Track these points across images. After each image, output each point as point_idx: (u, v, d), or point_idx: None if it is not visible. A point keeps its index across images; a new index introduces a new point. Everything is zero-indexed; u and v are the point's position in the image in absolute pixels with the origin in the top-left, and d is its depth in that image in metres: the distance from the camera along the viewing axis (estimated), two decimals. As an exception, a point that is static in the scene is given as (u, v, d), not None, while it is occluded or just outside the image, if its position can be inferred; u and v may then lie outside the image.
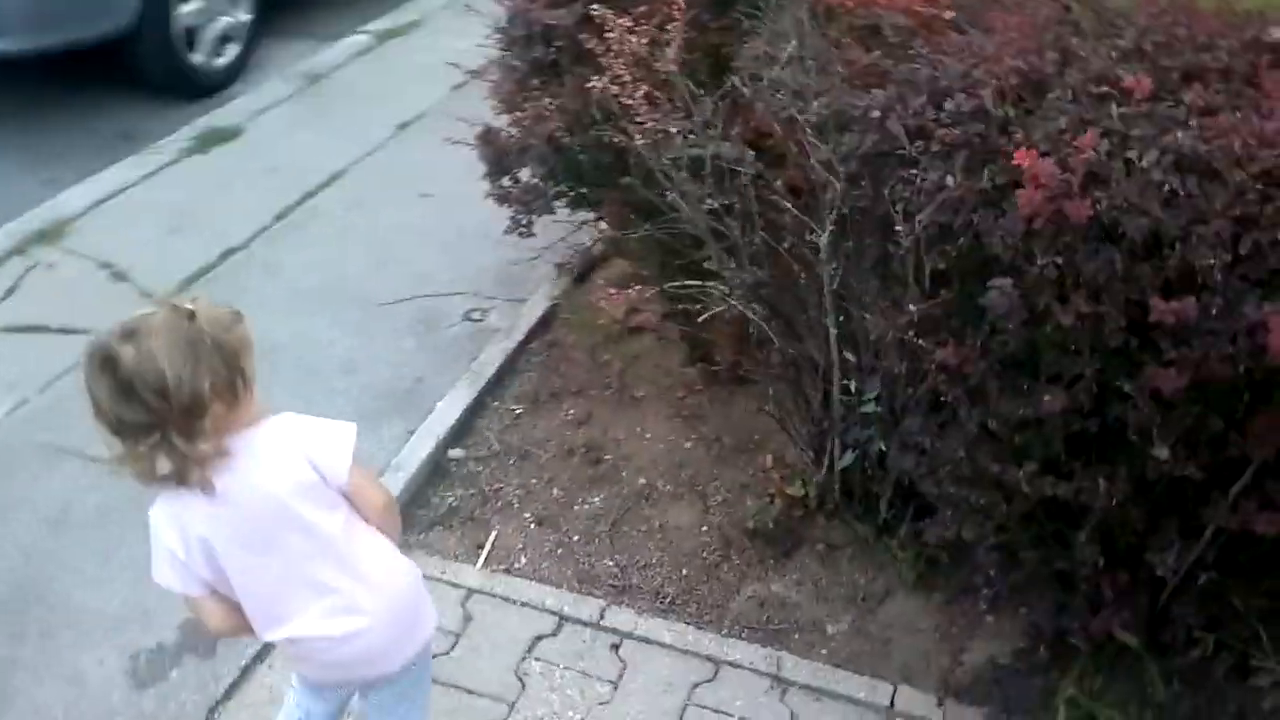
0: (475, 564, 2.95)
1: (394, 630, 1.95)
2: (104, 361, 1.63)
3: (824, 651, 2.78)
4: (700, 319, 2.83)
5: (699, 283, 2.79)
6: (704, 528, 3.10)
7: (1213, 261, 1.89)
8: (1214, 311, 1.91)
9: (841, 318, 2.42)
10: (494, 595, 2.86)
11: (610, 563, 2.99)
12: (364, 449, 3.04)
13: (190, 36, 5.46)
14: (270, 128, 5.25)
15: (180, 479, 1.70)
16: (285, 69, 5.85)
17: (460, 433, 3.36)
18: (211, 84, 5.63)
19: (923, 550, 2.87)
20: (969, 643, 2.78)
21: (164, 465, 1.67)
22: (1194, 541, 2.30)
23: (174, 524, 1.77)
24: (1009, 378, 2.20)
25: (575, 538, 3.06)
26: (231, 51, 5.74)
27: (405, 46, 6.16)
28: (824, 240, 2.29)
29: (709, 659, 2.73)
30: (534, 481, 3.24)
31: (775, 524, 3.04)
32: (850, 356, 2.43)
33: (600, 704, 2.62)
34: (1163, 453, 2.13)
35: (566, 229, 3.96)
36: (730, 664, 2.72)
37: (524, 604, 2.84)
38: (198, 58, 5.54)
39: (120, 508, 3.06)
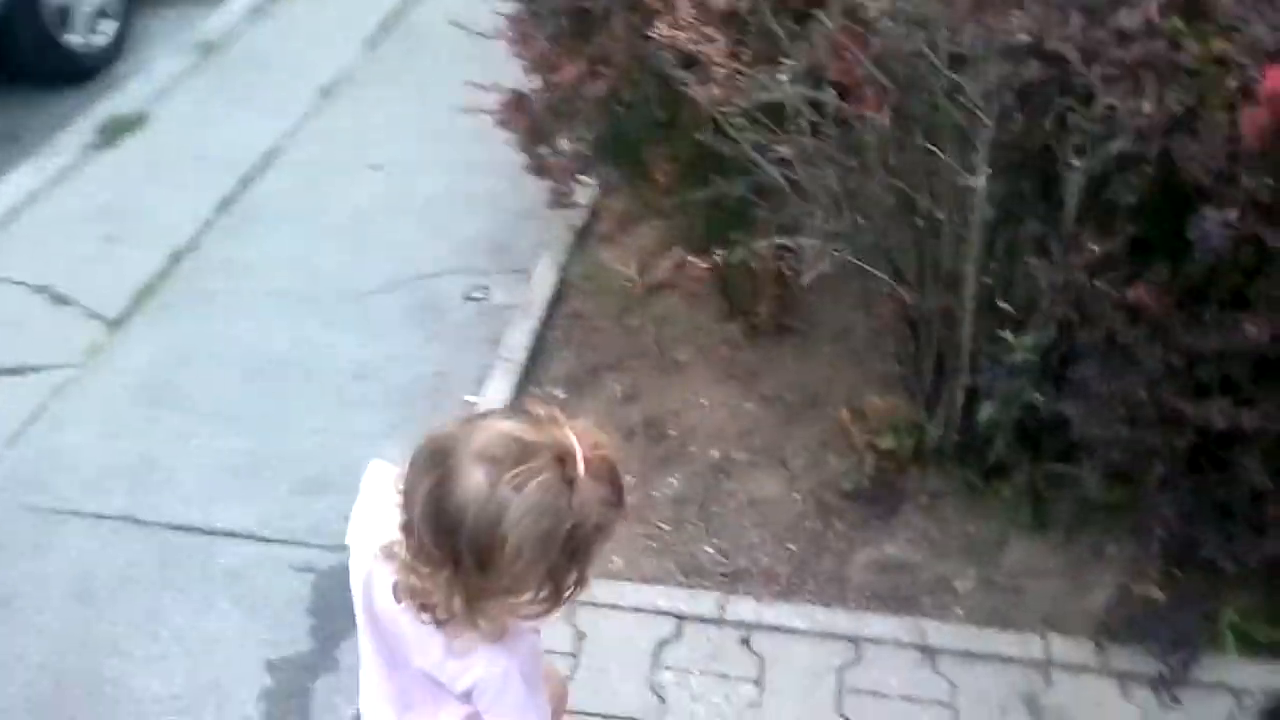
0: (571, 573, 2.70)
1: None
2: (439, 476, 1.27)
3: (960, 611, 2.64)
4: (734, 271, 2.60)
5: (785, 240, 2.56)
6: (795, 495, 2.92)
7: None
8: None
9: (993, 265, 2.23)
10: (600, 605, 2.62)
11: (710, 549, 2.79)
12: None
13: (63, 16, 4.87)
14: (177, 109, 4.74)
15: (420, 604, 1.37)
16: (172, 40, 5.30)
17: (508, 427, 3.06)
18: (93, 65, 5.08)
19: (1036, 491, 2.75)
20: (1100, 579, 2.68)
21: (428, 595, 1.34)
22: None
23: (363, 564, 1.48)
24: (1193, 311, 2.05)
25: (665, 526, 2.84)
26: (109, 27, 5.15)
27: (299, 3, 5.64)
28: (980, 184, 2.08)
29: (847, 639, 2.56)
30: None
31: (871, 481, 2.88)
32: (1004, 305, 2.24)
33: (750, 707, 2.43)
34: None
35: (536, 187, 3.67)
36: (870, 640, 2.56)
37: (636, 609, 2.62)
38: (74, 38, 4.96)
39: (147, 565, 2.71)
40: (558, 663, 2.47)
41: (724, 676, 2.48)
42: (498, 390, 3.13)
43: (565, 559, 1.28)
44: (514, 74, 3.22)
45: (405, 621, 1.42)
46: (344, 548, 2.63)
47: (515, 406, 1.24)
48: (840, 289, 3.24)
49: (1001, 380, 2.31)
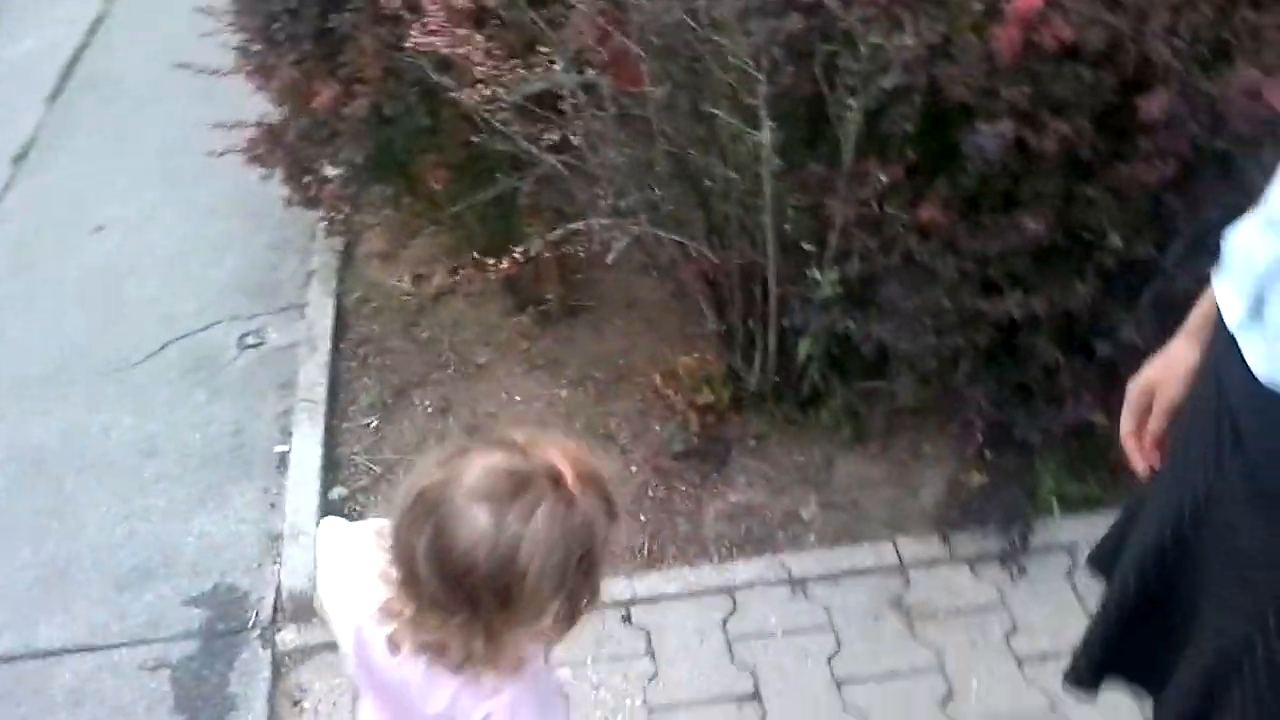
0: (437, 598, 2.65)
1: None
2: (436, 525, 1.21)
3: (812, 538, 2.77)
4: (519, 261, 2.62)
5: (577, 225, 2.58)
6: (631, 468, 2.97)
7: (1166, 51, 1.99)
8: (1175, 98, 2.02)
9: (789, 211, 2.33)
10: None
11: (566, 539, 2.79)
12: (221, 533, 2.69)
13: None
14: None
15: (450, 666, 1.31)
16: None
17: (327, 471, 2.96)
18: None
19: (852, 411, 2.93)
20: (925, 478, 2.88)
21: (444, 645, 1.29)
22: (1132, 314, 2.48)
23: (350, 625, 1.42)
24: (975, 220, 2.23)
25: (515, 529, 2.82)
26: None
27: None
28: (766, 138, 2.17)
29: (721, 591, 2.65)
30: (438, 488, 2.93)
31: (699, 438, 2.97)
32: (808, 246, 2.35)
33: (650, 680, 2.48)
34: (1115, 240, 2.27)
35: (281, 219, 3.56)
36: (742, 587, 2.66)
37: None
38: None
39: None
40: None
41: (617, 658, 2.52)
42: (306, 434, 3.01)
43: (581, 578, 1.26)
44: (238, 107, 3.08)
45: (409, 671, 1.37)
46: (193, 634, 2.52)
47: (489, 437, 1.19)
48: (624, 262, 3.31)
49: (813, 316, 2.43)
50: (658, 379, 3.11)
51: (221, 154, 2.83)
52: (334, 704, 2.45)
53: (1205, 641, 1.27)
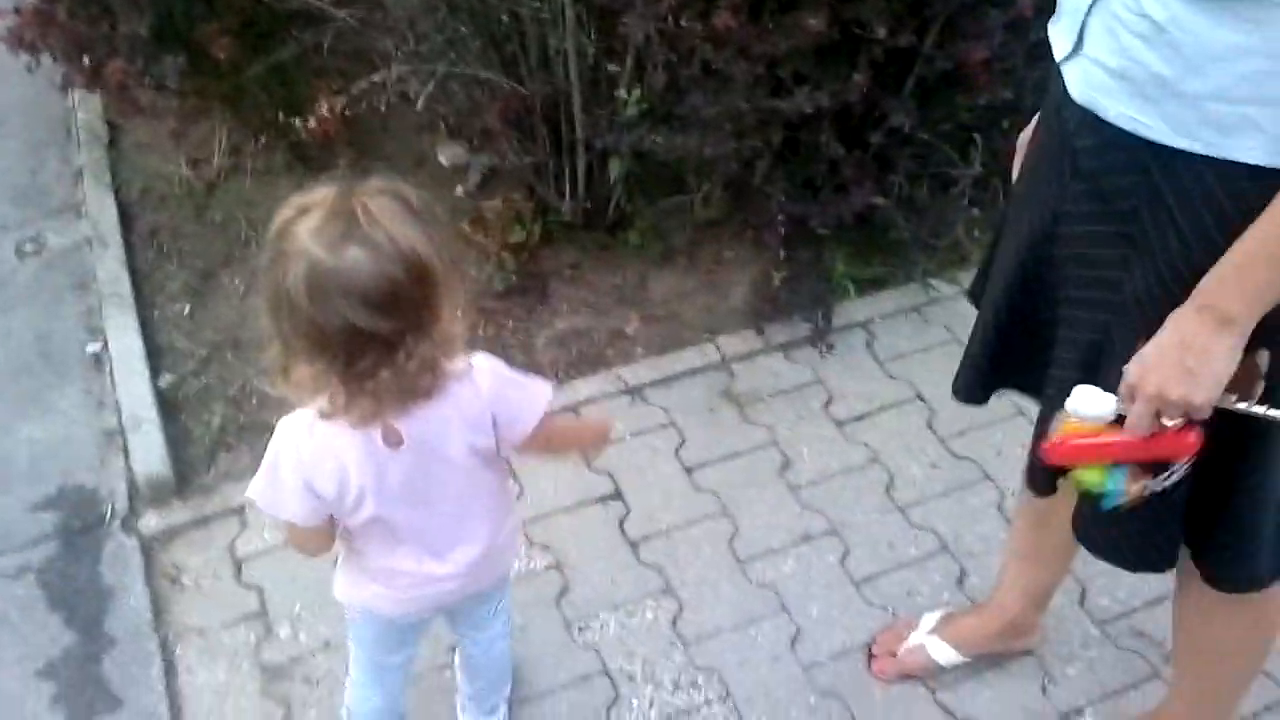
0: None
1: (487, 576, 1.84)
2: (321, 272, 1.32)
3: (640, 350, 2.97)
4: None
5: (377, 76, 2.61)
6: (458, 312, 3.06)
7: None
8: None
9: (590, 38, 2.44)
10: (338, 475, 2.67)
11: (409, 388, 2.89)
12: (52, 437, 2.64)
13: None
14: None
15: (370, 417, 1.43)
16: None
17: (151, 361, 2.91)
18: None
19: (656, 230, 3.12)
20: (731, 281, 3.12)
21: (357, 404, 1.40)
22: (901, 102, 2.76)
23: (330, 459, 1.50)
24: (761, 24, 2.42)
25: (357, 386, 2.89)
26: None
27: None
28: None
29: (566, 409, 2.81)
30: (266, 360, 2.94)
31: (517, 275, 3.09)
32: (612, 67, 2.48)
33: (516, 498, 2.63)
34: (881, 32, 2.52)
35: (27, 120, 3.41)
36: (585, 401, 2.84)
37: (372, 465, 2.69)
38: None
39: None
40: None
41: (482, 485, 2.65)
42: (120, 327, 2.95)
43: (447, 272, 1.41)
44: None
45: (406, 449, 1.50)
46: (49, 536, 2.49)
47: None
48: (408, 120, 3.34)
49: (622, 137, 2.57)
50: (466, 226, 3.19)
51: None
52: (214, 574, 2.49)
53: (1073, 337, 1.51)
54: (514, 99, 2.59)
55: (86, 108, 3.62)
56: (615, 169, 2.67)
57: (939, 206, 3.05)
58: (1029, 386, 1.69)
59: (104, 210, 3.28)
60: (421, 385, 1.46)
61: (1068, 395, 1.43)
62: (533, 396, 1.65)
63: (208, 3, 2.57)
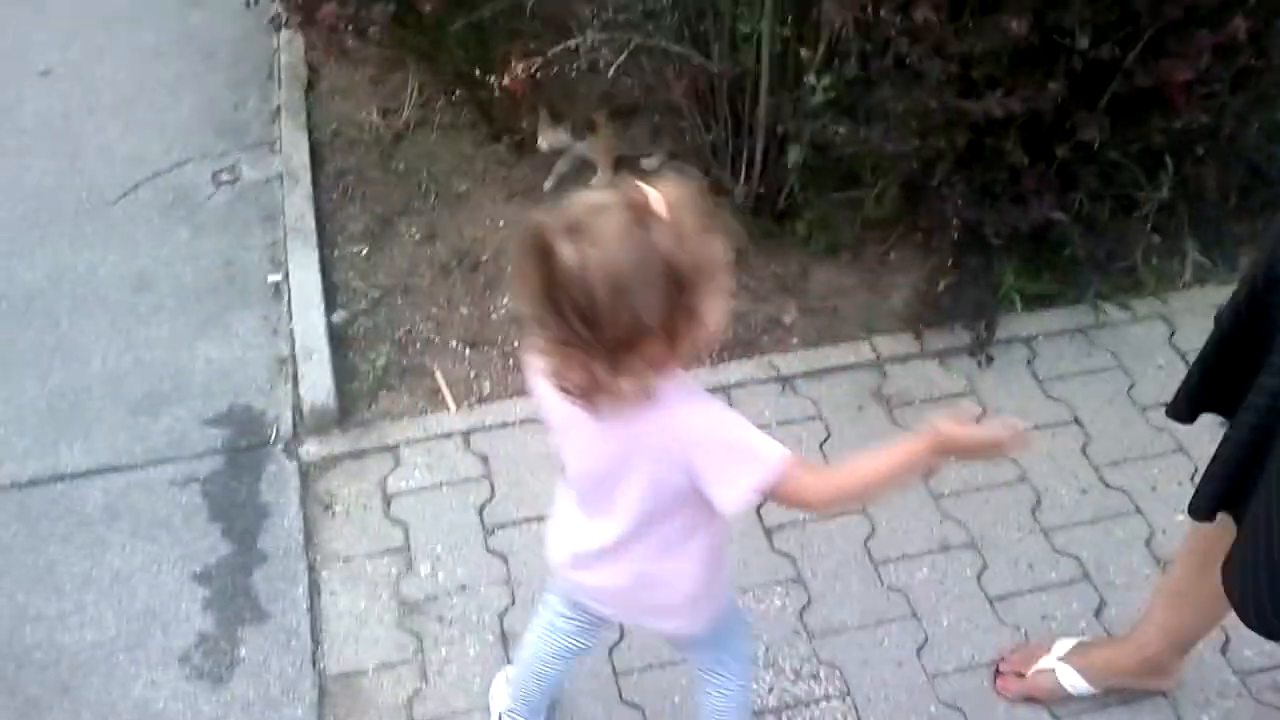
0: (449, 409, 2.80)
1: (636, 611, 1.82)
2: (539, 252, 1.31)
3: (795, 340, 2.97)
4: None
5: (569, 42, 2.66)
6: (685, 338, 3.10)
7: None
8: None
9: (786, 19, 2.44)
10: (490, 429, 2.75)
11: (565, 350, 2.95)
12: (227, 359, 2.77)
13: None
14: None
15: (583, 397, 1.42)
16: None
17: (326, 296, 3.04)
18: None
19: (825, 223, 3.10)
20: (894, 282, 3.09)
21: (571, 376, 1.41)
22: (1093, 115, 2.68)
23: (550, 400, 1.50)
24: (961, 22, 2.38)
25: (514, 343, 2.97)
26: None
27: None
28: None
29: (717, 389, 2.83)
30: (435, 309, 3.05)
31: (682, 253, 3.11)
32: (805, 51, 2.48)
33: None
34: (1084, 42, 2.45)
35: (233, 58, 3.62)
36: (736, 385, 2.85)
37: (521, 424, 2.76)
38: None
39: (14, 530, 2.56)
40: (469, 490, 2.61)
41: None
42: (301, 262, 3.09)
43: (671, 297, 1.31)
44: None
45: (577, 415, 1.45)
46: (216, 451, 2.62)
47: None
48: (592, 90, 3.39)
49: (805, 123, 2.57)
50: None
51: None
52: (365, 506, 2.60)
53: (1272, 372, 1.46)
54: (701, 76, 2.61)
55: (291, 50, 3.79)
56: (793, 156, 2.67)
57: (1119, 228, 2.96)
58: (1228, 409, 1.63)
59: (297, 149, 3.43)
60: (625, 392, 1.39)
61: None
62: (741, 471, 1.48)
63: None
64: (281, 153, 3.46)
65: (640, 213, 1.31)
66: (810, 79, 2.47)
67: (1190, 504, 1.72)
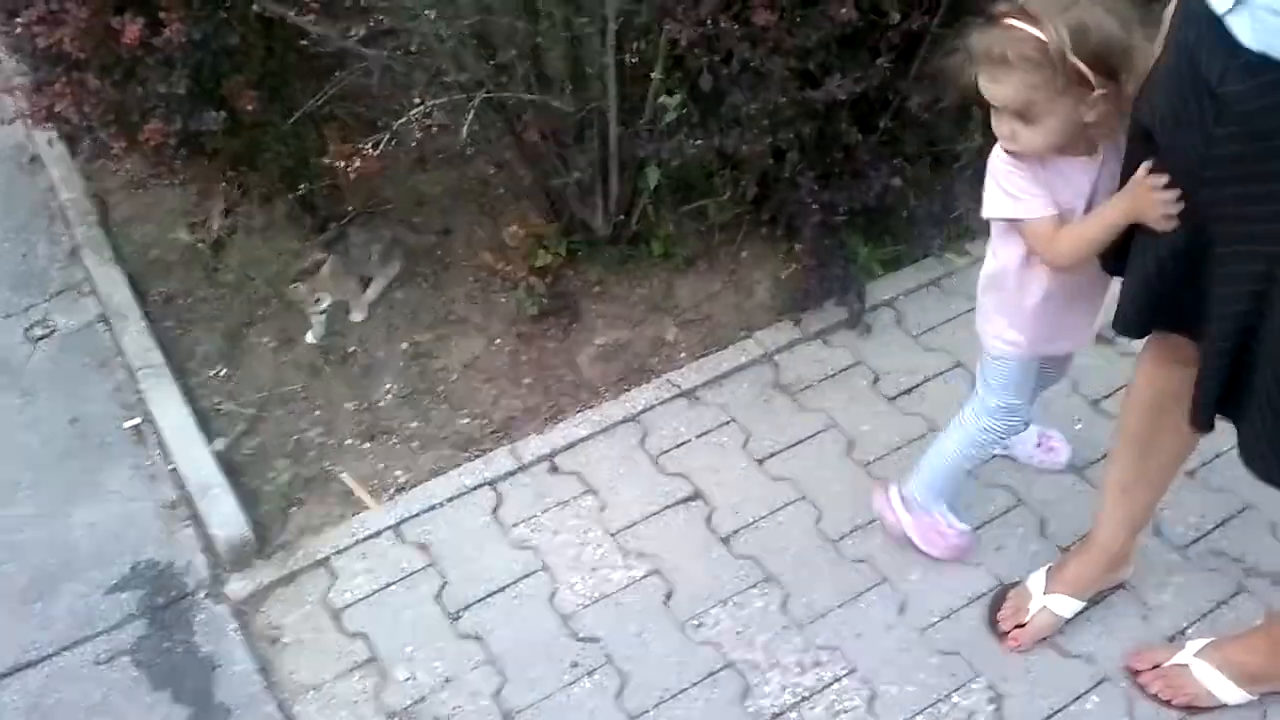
0: (370, 507, 2.69)
1: None
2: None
3: (683, 355, 3.02)
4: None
5: (412, 112, 2.63)
6: (496, 342, 3.08)
7: None
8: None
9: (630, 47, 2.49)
10: (419, 516, 2.67)
11: (466, 419, 2.90)
12: (111, 518, 2.60)
13: None
14: None
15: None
16: None
17: (201, 427, 2.86)
18: None
19: (672, 236, 3.18)
20: (754, 277, 3.19)
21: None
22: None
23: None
24: (791, 18, 2.50)
25: (413, 424, 2.89)
26: None
27: None
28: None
29: (626, 420, 2.85)
30: (318, 412, 2.93)
31: (549, 297, 3.12)
32: (655, 75, 2.53)
33: (601, 510, 2.66)
34: (896, 17, 2.63)
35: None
36: (644, 411, 2.87)
37: (451, 500, 2.69)
38: None
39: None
40: (419, 581, 2.52)
41: (562, 503, 2.68)
42: (164, 398, 2.89)
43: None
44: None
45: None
46: (135, 616, 2.44)
47: None
48: (399, 161, 3.35)
49: (663, 144, 2.63)
50: (486, 256, 3.21)
51: (11, 121, 2.59)
52: (315, 628, 2.46)
53: (1232, 278, 1.60)
54: (551, 120, 2.62)
55: (70, 186, 3.55)
56: (651, 178, 2.72)
57: (944, 182, 3.17)
58: (1180, 325, 1.78)
59: (115, 285, 3.22)
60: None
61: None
62: None
63: (230, 56, 2.54)
64: (95, 293, 3.24)
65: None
66: (663, 99, 2.53)
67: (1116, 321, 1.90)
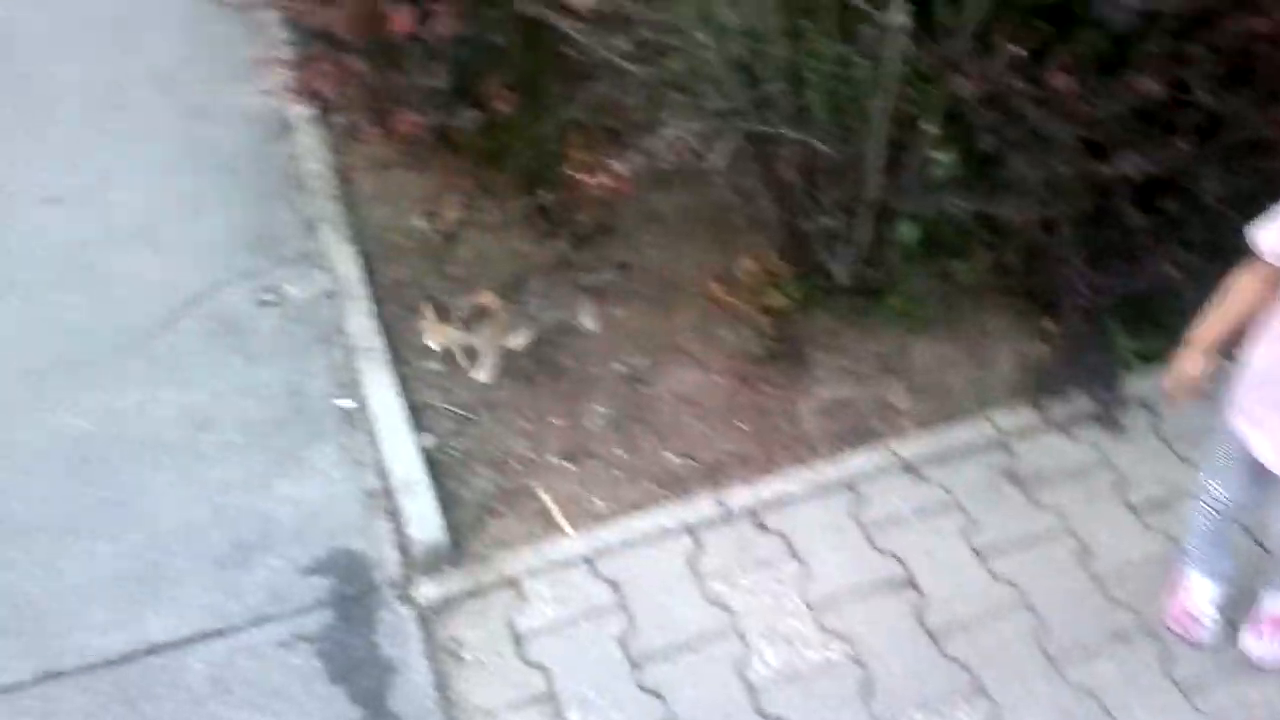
0: (565, 533, 2.60)
1: None
2: None
3: (908, 423, 2.83)
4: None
5: (665, 133, 2.52)
6: (715, 379, 2.96)
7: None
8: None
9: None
10: (613, 550, 2.56)
11: (672, 455, 2.79)
12: (313, 498, 2.55)
13: None
14: None
15: None
16: None
17: (412, 420, 2.84)
18: None
19: (916, 296, 2.99)
20: (998, 351, 2.97)
21: None
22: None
23: None
24: (1089, 85, 2.29)
25: (619, 452, 2.80)
26: None
27: None
28: (898, 20, 2.15)
29: (842, 485, 2.69)
30: (525, 424, 2.87)
31: (773, 340, 2.98)
32: (930, 127, 2.36)
33: (803, 580, 2.50)
34: (1207, 95, 2.37)
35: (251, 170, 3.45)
36: (861, 478, 2.71)
37: (647, 539, 2.59)
38: None
39: (114, 712, 2.30)
40: (606, 620, 2.42)
41: (764, 564, 2.53)
42: (378, 384, 2.89)
43: None
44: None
45: None
46: (323, 603, 2.41)
47: None
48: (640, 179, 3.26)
49: (923, 199, 2.45)
50: (714, 287, 3.09)
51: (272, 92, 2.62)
52: (497, 652, 2.39)
53: None
54: (810, 158, 2.48)
55: (315, 157, 3.61)
56: (906, 233, 2.55)
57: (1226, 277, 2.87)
58: None
59: (346, 263, 3.23)
60: None
61: None
62: None
63: (490, 54, 2.50)
64: (326, 268, 3.26)
65: None
66: (936, 154, 2.35)
67: None
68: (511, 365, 3.00)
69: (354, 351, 2.99)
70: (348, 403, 2.92)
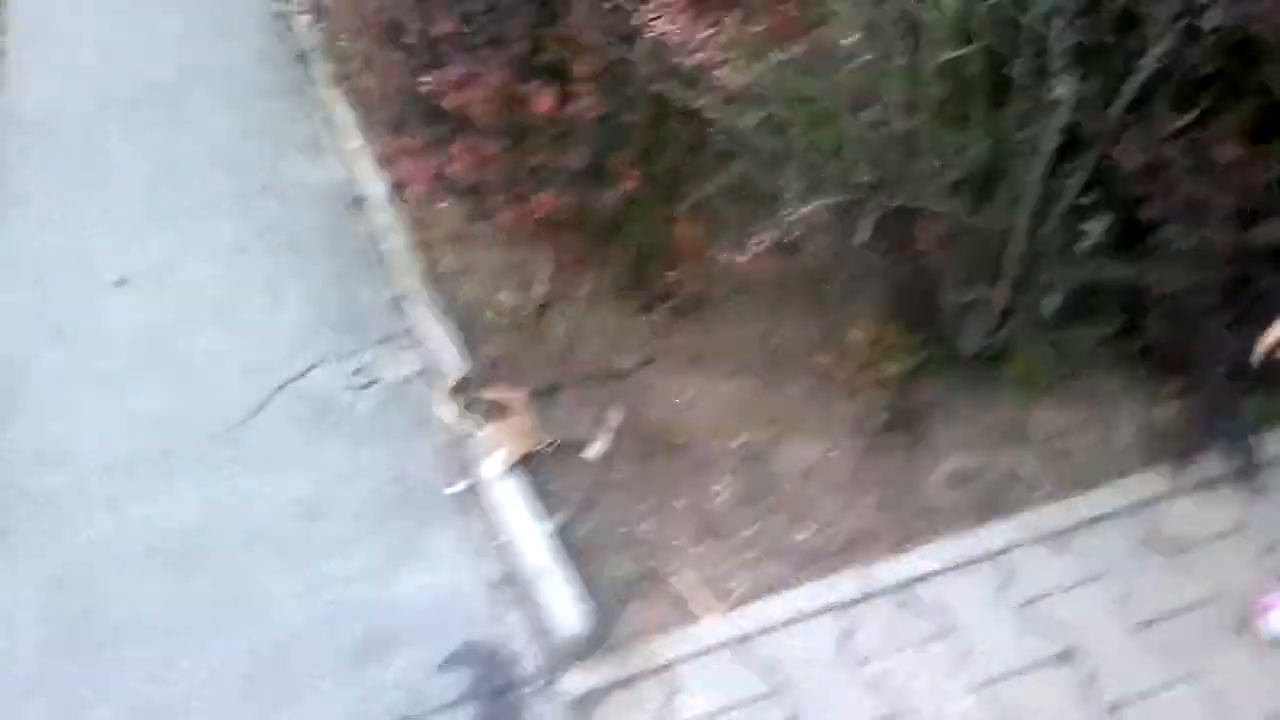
0: (707, 616, 2.51)
1: None
2: None
3: (1039, 495, 2.76)
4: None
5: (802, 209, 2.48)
6: (834, 452, 2.89)
7: None
8: None
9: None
10: (761, 634, 2.47)
11: (803, 533, 2.70)
12: (438, 587, 2.45)
13: None
14: None
15: None
16: None
17: (530, 505, 2.75)
18: None
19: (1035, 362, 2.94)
20: (1119, 414, 2.92)
21: None
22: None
23: None
24: (1252, 151, 2.27)
25: (747, 531, 2.71)
26: None
27: None
28: (1064, 92, 2.13)
29: (985, 557, 2.61)
30: (645, 506, 2.77)
31: (893, 410, 2.92)
32: (1083, 199, 2.32)
33: (961, 657, 2.42)
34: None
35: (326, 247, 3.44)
36: (1001, 552, 2.63)
37: (791, 620, 2.50)
38: None
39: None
40: (767, 709, 2.32)
41: (919, 642, 2.45)
42: (493, 463, 2.79)
43: None
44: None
45: None
46: (465, 699, 2.28)
47: None
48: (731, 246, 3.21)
49: (1069, 270, 2.41)
50: (827, 358, 3.03)
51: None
52: (652, 741, 2.28)
53: None
54: (954, 229, 2.44)
55: (395, 235, 3.54)
56: (1050, 304, 2.50)
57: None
58: None
59: (439, 340, 3.15)
60: None
61: None
62: None
63: (622, 137, 2.45)
64: (417, 345, 3.18)
65: None
66: (1090, 225, 2.31)
67: None
68: (621, 445, 2.91)
69: (458, 435, 2.90)
70: (459, 487, 2.82)
